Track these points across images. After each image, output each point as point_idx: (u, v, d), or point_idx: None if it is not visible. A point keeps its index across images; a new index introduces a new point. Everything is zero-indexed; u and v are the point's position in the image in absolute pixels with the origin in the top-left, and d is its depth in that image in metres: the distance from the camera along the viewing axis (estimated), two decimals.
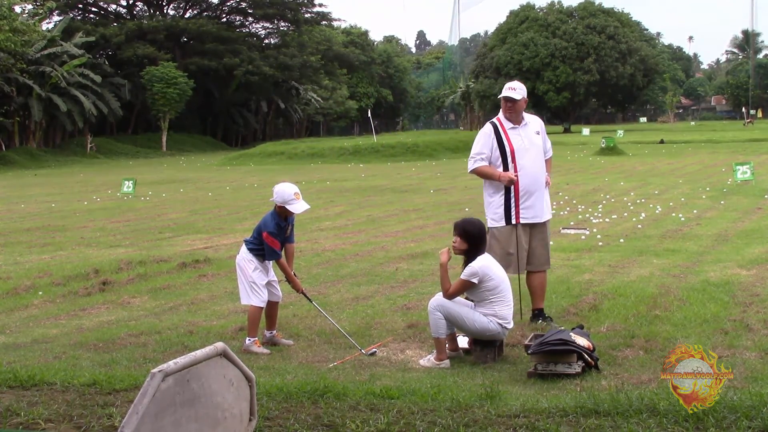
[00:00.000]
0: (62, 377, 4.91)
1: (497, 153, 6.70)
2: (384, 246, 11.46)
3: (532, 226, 6.75)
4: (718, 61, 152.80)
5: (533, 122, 6.92)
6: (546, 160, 6.94)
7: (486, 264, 5.86)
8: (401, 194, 20.07)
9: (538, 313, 6.79)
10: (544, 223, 6.84)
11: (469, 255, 5.90)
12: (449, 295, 5.88)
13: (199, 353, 2.87)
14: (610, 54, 75.48)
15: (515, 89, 6.73)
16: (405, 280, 8.93)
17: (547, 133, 7.17)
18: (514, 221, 6.67)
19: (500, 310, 5.83)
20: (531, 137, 6.80)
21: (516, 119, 6.79)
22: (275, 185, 6.52)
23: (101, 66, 56.35)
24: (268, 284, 6.51)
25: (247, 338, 6.42)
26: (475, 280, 5.79)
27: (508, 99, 6.72)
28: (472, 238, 5.88)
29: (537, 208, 6.71)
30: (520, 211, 6.67)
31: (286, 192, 6.36)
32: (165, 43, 63.17)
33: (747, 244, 10.53)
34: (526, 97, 6.78)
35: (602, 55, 75.39)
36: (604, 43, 75.81)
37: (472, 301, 5.99)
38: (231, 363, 3.06)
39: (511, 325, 5.95)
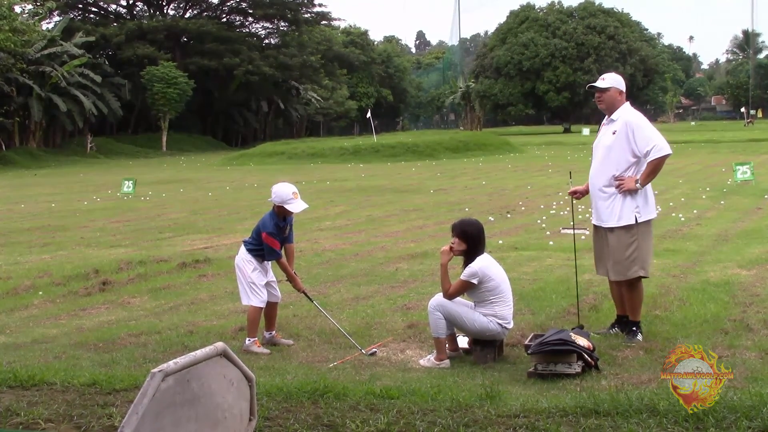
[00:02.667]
0: (62, 377, 4.91)
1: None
2: (384, 246, 11.45)
3: (596, 229, 6.32)
4: (717, 61, 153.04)
5: (620, 120, 6.04)
6: (648, 162, 5.95)
7: (486, 264, 5.85)
8: (401, 194, 20.07)
9: (621, 321, 6.26)
10: (606, 229, 6.11)
11: (469, 255, 5.89)
12: (449, 296, 5.87)
13: (199, 353, 2.87)
14: (610, 54, 75.54)
15: (604, 78, 6.11)
16: (405, 280, 8.93)
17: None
18: (593, 221, 6.40)
19: (500, 310, 5.83)
20: (605, 136, 6.14)
21: (608, 113, 6.13)
22: (273, 185, 6.52)
23: (101, 66, 56.40)
24: (267, 285, 6.51)
25: (247, 338, 6.43)
26: (475, 281, 5.79)
27: (593, 88, 6.12)
28: (471, 239, 5.87)
29: (595, 211, 6.27)
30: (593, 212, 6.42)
31: (285, 192, 6.36)
32: (165, 43, 63.23)
33: (747, 244, 10.53)
34: (620, 87, 6.04)
35: (602, 55, 75.45)
36: (604, 43, 75.90)
37: (472, 301, 6.00)
38: (231, 363, 3.05)
39: (511, 325, 5.95)
